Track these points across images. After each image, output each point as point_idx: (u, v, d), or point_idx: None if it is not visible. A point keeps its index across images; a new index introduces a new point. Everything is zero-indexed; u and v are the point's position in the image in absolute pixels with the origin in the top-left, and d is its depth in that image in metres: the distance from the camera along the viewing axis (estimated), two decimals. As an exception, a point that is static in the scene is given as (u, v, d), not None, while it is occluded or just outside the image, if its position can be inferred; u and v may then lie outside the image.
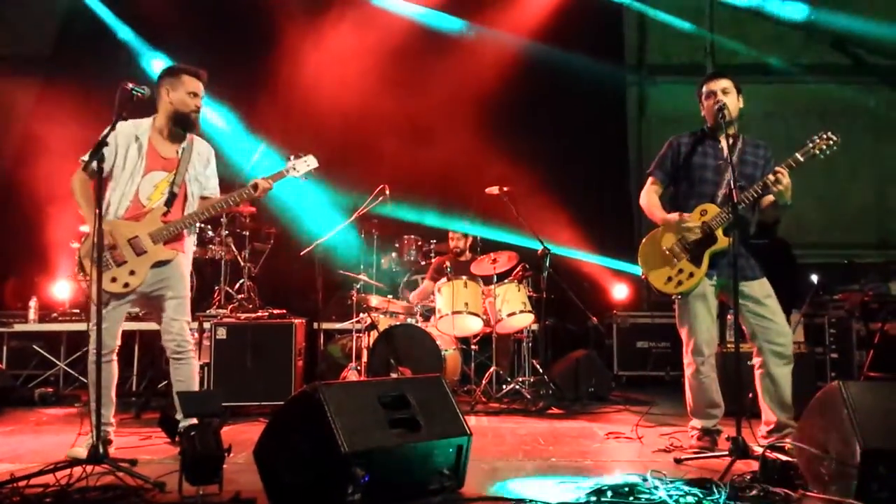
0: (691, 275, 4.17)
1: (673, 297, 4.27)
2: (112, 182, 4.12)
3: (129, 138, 4.13)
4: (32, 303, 6.84)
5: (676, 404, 5.08)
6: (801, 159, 4.02)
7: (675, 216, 4.21)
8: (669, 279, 4.22)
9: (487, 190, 6.54)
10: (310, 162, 4.42)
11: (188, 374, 4.19)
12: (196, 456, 2.95)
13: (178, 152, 4.22)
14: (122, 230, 4.01)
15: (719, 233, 4.12)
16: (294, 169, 4.39)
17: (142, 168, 4.11)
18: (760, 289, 4.13)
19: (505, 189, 6.46)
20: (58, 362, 6.86)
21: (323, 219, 6.97)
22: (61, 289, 7.15)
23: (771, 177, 3.97)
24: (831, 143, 4.00)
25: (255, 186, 4.21)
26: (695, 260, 4.17)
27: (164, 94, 4.17)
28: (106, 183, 4.08)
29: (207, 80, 4.26)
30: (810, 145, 4.03)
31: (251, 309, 6.16)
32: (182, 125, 4.20)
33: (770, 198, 4.11)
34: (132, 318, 6.27)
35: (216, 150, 4.50)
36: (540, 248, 6.23)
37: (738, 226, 3.94)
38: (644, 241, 4.39)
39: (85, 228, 5.17)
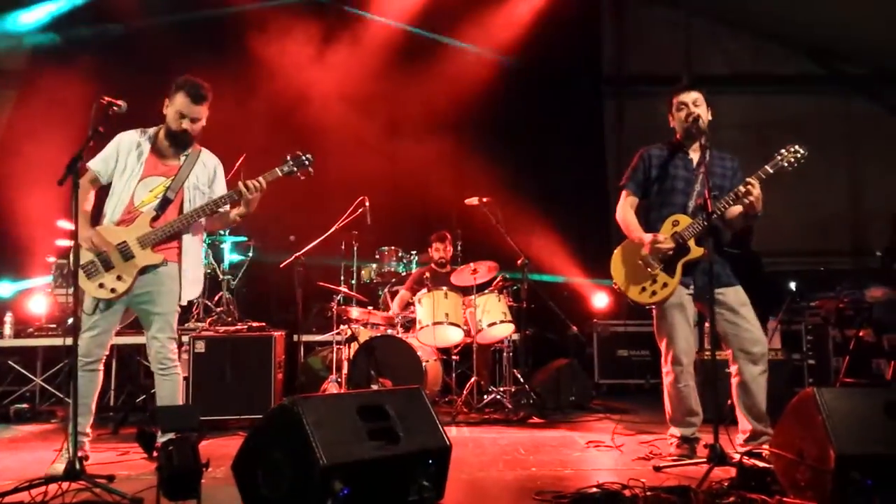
0: (665, 285, 4.20)
1: (647, 307, 4.31)
2: (111, 190, 4.11)
3: (132, 145, 4.11)
4: (7, 318, 6.73)
5: (656, 412, 5.11)
6: (771, 171, 4.09)
7: (649, 238, 4.22)
8: (643, 289, 4.25)
9: (467, 201, 6.58)
10: (305, 158, 4.24)
11: (170, 389, 4.14)
12: (173, 471, 2.92)
13: (180, 159, 4.16)
14: (111, 236, 3.97)
15: (692, 243, 4.16)
16: (287, 165, 4.21)
17: (139, 173, 4.06)
18: (735, 296, 4.17)
19: (484, 199, 6.50)
20: (34, 378, 6.76)
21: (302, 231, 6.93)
22: (37, 303, 7.07)
23: (742, 188, 4.04)
24: (799, 155, 4.07)
25: (239, 191, 4.07)
26: (668, 270, 4.21)
27: (164, 105, 4.11)
28: (105, 193, 4.12)
29: (209, 98, 4.12)
30: (778, 158, 4.10)
31: (230, 322, 6.13)
32: (173, 141, 4.13)
33: (738, 208, 4.17)
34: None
35: None
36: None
37: (712, 234, 3.98)
38: (616, 251, 4.41)
39: (63, 243, 5.12)
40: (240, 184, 4.09)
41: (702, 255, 4.11)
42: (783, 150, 4.11)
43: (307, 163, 4.24)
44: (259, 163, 4.93)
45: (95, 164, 4.12)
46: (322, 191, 7.81)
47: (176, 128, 4.08)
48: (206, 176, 4.23)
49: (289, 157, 4.22)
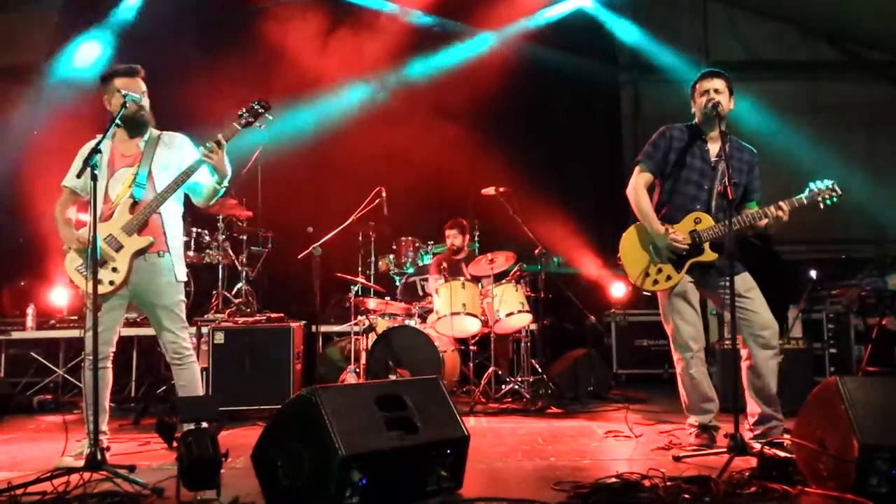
0: (669, 277, 4.20)
1: (645, 292, 4.30)
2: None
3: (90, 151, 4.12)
4: (30, 310, 6.81)
5: (675, 401, 5.06)
6: (805, 202, 4.01)
7: (664, 231, 4.18)
8: (647, 275, 4.24)
9: (484, 191, 6.56)
10: (259, 106, 4.15)
11: (189, 378, 4.17)
12: (193, 461, 2.94)
13: (139, 146, 4.17)
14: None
15: (706, 246, 4.13)
16: (244, 117, 4.13)
17: (105, 171, 4.07)
18: (742, 283, 4.14)
19: (501, 189, 6.48)
20: (56, 369, 6.84)
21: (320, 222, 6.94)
22: (59, 295, 7.14)
23: (773, 210, 4.00)
24: (835, 195, 3.99)
25: (206, 153, 4.02)
26: (676, 264, 4.18)
27: (105, 103, 4.13)
28: (85, 202, 4.10)
29: (142, 72, 4.15)
30: (815, 191, 3.98)
31: (249, 313, 6.15)
32: (132, 127, 4.14)
33: (764, 221, 4.11)
34: (130, 323, 6.26)
35: None
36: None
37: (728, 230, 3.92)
38: (628, 231, 4.37)
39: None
40: (205, 145, 4.03)
41: (713, 260, 4.11)
42: (822, 185, 3.98)
43: (262, 110, 4.16)
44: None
45: (69, 182, 4.16)
46: (339, 181, 7.84)
47: (129, 111, 4.01)
48: (173, 153, 4.21)
49: (243, 110, 4.15)
